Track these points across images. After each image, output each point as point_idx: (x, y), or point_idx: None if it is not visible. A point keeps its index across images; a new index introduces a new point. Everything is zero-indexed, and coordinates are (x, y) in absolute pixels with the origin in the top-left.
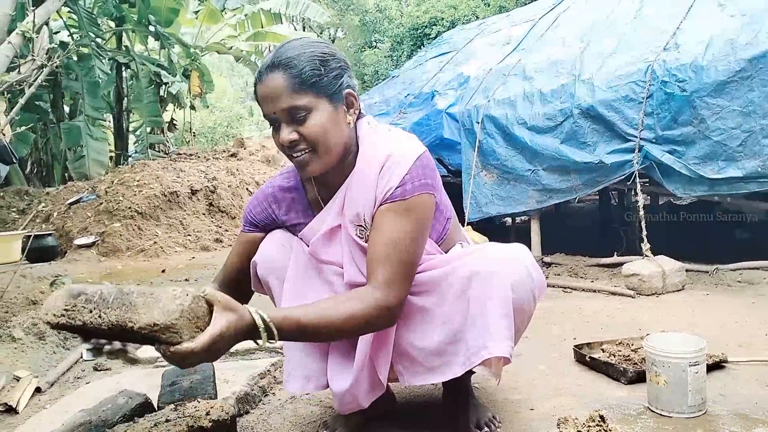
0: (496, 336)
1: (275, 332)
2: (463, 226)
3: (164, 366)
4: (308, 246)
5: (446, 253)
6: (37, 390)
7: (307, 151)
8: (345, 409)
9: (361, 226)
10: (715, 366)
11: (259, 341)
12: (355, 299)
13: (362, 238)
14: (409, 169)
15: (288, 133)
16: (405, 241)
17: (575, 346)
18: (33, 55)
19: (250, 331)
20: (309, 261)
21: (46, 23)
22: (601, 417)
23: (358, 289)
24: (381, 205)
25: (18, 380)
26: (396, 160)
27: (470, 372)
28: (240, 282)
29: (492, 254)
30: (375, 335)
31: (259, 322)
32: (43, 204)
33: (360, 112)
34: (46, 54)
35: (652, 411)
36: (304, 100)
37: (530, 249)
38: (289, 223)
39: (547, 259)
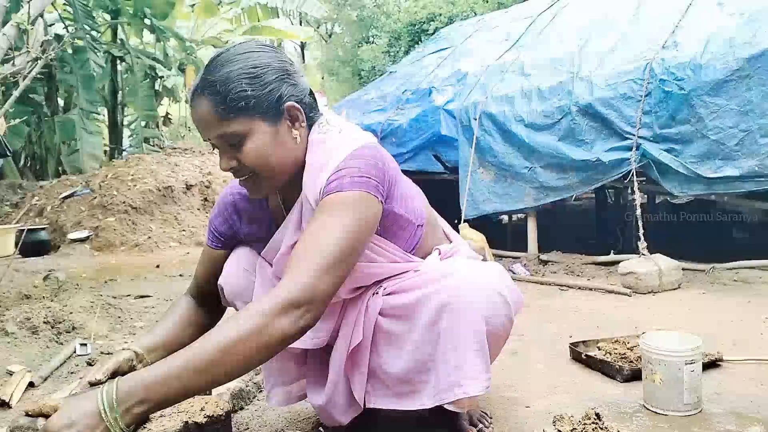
0: (471, 374)
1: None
2: (460, 223)
3: None
4: (271, 266)
5: (423, 259)
6: (30, 385)
7: (250, 176)
8: (326, 422)
9: None
10: (710, 365)
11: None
12: (244, 310)
13: None
14: (344, 159)
15: (226, 162)
16: (331, 234)
17: (571, 344)
18: (27, 48)
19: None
20: (272, 283)
21: (41, 15)
22: (597, 415)
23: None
24: (322, 198)
25: (11, 375)
26: (332, 159)
27: None
28: (212, 295)
29: (466, 281)
30: (350, 353)
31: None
32: (36, 198)
33: (311, 117)
34: (41, 46)
35: (648, 409)
36: (234, 127)
37: (527, 247)
38: (250, 236)
39: (544, 257)
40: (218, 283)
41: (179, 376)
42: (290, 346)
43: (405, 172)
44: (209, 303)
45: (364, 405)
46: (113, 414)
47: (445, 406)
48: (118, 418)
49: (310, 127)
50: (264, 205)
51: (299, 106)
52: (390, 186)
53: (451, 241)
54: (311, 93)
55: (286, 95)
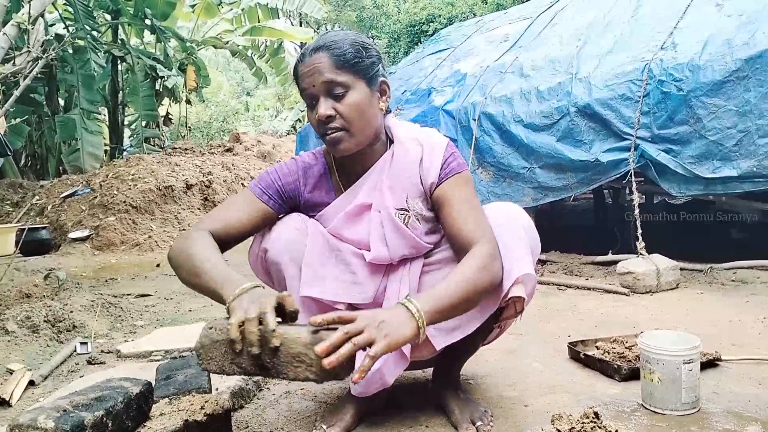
0: (523, 262)
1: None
2: None
3: (158, 360)
4: (324, 227)
5: None
6: (31, 383)
7: (340, 129)
8: (370, 390)
9: (403, 209)
10: (708, 364)
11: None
12: (469, 258)
13: (403, 221)
14: (447, 145)
15: (325, 108)
16: (478, 204)
17: (570, 343)
18: (28, 47)
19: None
20: (325, 243)
21: (42, 15)
22: (595, 414)
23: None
24: (441, 183)
25: (11, 373)
26: (433, 147)
27: (459, 368)
28: (226, 242)
29: (500, 210)
30: None
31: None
32: (37, 197)
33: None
34: (42, 46)
35: (646, 408)
36: (344, 77)
37: None
38: (311, 202)
39: (543, 256)
40: (262, 246)
41: (458, 303)
42: (338, 301)
43: None
44: (221, 246)
45: (437, 347)
46: (421, 316)
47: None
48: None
49: None
50: (328, 177)
51: (389, 84)
52: None
53: None
54: None
55: (381, 72)
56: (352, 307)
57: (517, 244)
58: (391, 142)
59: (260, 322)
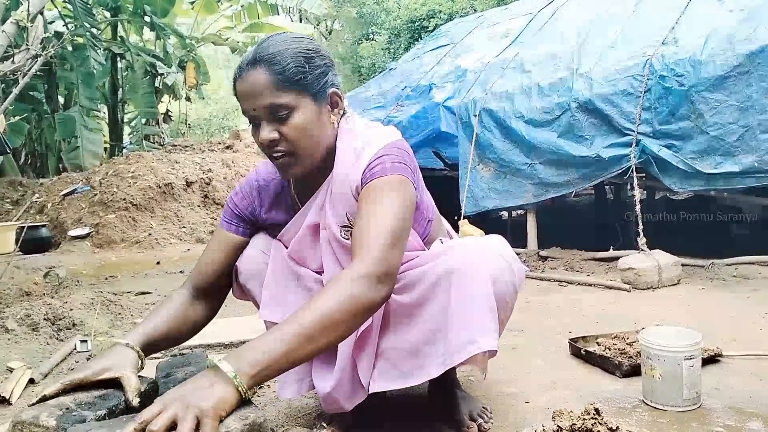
0: (483, 330)
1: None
2: (460, 219)
3: (158, 358)
4: (287, 248)
5: None
6: (31, 381)
7: (287, 153)
8: (329, 410)
9: (346, 226)
10: (710, 360)
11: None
12: (331, 283)
13: (347, 238)
14: (383, 147)
15: (268, 132)
16: (388, 213)
17: (571, 339)
18: (27, 45)
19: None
20: (287, 266)
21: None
22: (596, 410)
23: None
24: (361, 189)
25: (11, 371)
26: (363, 152)
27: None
28: (213, 286)
29: (469, 249)
30: (358, 337)
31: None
32: (37, 195)
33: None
34: (41, 44)
35: (647, 404)
36: (286, 98)
37: (526, 243)
38: (270, 221)
39: (543, 252)
40: (235, 266)
41: (298, 347)
42: None
43: None
44: (208, 296)
45: (368, 390)
46: (240, 378)
47: (464, 367)
48: (244, 382)
49: None
50: (285, 192)
51: (340, 94)
52: (416, 176)
53: (451, 237)
54: None
55: (331, 82)
56: None
57: (481, 306)
58: None
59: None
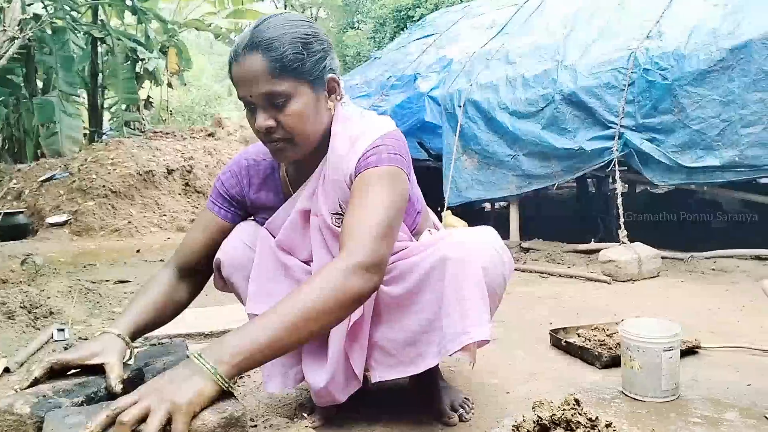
0: (475, 320)
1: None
2: (443, 210)
3: (137, 347)
4: (274, 237)
5: None
6: (6, 370)
7: (283, 139)
8: (322, 403)
9: (338, 213)
10: (688, 352)
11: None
12: (318, 273)
13: (338, 225)
14: (380, 137)
15: (265, 120)
16: (380, 205)
17: (551, 330)
18: (4, 26)
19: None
20: (274, 258)
21: None
22: (576, 401)
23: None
24: (355, 178)
25: None
26: (359, 140)
27: None
28: (197, 267)
29: (461, 239)
30: (349, 329)
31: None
32: (14, 181)
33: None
34: (18, 25)
35: (626, 395)
36: (284, 86)
37: (509, 234)
38: (258, 203)
39: (525, 244)
40: (216, 257)
41: (283, 336)
42: None
43: None
44: (192, 277)
45: (364, 381)
46: (219, 370)
47: (456, 355)
48: (224, 373)
49: None
50: (275, 175)
51: (338, 80)
52: (410, 168)
53: (438, 229)
54: None
55: (329, 67)
56: None
57: (473, 296)
58: None
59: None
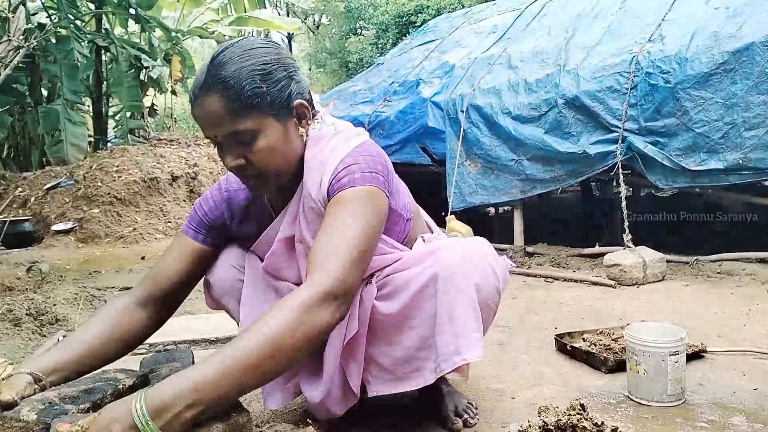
0: (468, 340)
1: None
2: (447, 215)
3: (142, 354)
4: (262, 261)
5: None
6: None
7: (254, 176)
8: (319, 416)
9: None
10: (694, 356)
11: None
12: (281, 303)
13: None
14: (349, 154)
15: (233, 159)
16: (350, 229)
17: (556, 335)
18: (9, 36)
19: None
20: (263, 281)
21: (23, 3)
22: (582, 405)
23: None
24: (328, 202)
25: None
26: (328, 163)
27: None
28: (166, 295)
29: (453, 255)
30: (345, 345)
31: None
32: (20, 189)
33: (312, 114)
34: (23, 35)
35: (632, 399)
36: (247, 124)
37: (513, 239)
38: (241, 234)
39: (530, 248)
40: (205, 278)
41: (232, 375)
42: None
43: (392, 164)
44: (157, 306)
45: (361, 395)
46: (155, 424)
47: (447, 376)
48: (159, 424)
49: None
50: (256, 201)
51: (307, 104)
52: (390, 182)
53: (432, 231)
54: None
55: (295, 93)
56: None
57: (465, 314)
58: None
59: None
